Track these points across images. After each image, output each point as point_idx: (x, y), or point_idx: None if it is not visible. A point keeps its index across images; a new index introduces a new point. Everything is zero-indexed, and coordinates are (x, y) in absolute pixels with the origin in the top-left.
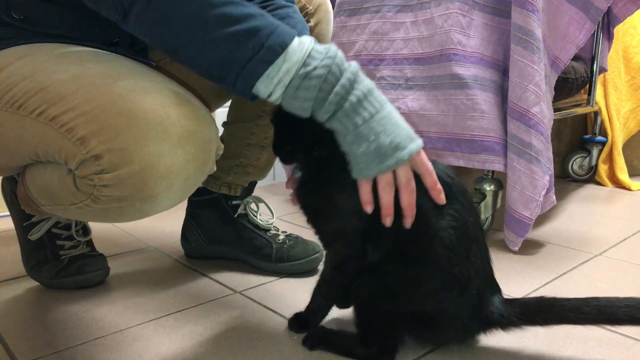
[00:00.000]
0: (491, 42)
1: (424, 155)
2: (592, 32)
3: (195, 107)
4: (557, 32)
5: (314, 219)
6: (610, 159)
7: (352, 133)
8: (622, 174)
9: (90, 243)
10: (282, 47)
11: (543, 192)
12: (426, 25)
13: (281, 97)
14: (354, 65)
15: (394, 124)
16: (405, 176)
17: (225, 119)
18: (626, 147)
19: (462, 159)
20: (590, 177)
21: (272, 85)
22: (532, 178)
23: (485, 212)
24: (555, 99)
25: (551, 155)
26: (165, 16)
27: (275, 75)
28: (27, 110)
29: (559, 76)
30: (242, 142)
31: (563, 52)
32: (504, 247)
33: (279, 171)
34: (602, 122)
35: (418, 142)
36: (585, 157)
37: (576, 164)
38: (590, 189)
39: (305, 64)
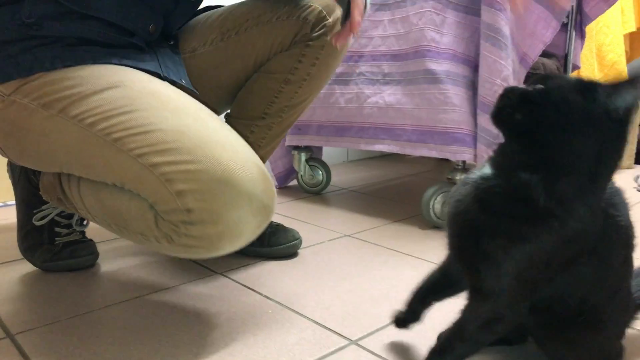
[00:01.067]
0: (463, 39)
1: None
2: (558, 30)
3: (271, 183)
4: (525, 30)
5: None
6: None
7: None
8: None
9: (82, 231)
10: None
11: None
12: (402, 23)
13: None
14: None
15: None
16: None
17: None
18: None
19: (435, 150)
20: None
21: None
22: None
23: None
24: None
25: None
26: None
27: None
28: (125, 146)
29: (528, 72)
30: None
31: (531, 48)
32: None
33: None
34: None
35: None
36: None
37: None
38: None
39: None
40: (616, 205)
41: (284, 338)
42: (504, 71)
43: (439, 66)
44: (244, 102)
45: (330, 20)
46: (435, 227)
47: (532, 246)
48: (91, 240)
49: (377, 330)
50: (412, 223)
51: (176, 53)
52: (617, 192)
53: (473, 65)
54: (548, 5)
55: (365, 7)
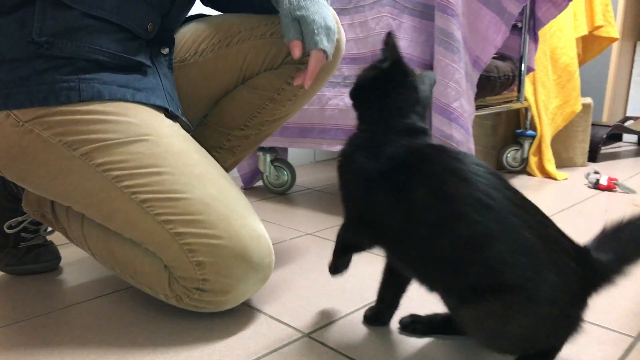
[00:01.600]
0: (419, 43)
1: None
2: (507, 34)
3: (273, 254)
4: (477, 35)
5: None
6: (539, 152)
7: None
8: (550, 165)
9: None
10: None
11: None
12: (361, 28)
13: None
14: None
15: (320, 6)
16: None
17: None
18: (555, 140)
19: None
20: (523, 168)
21: None
22: None
23: None
24: (479, 96)
25: (472, 146)
26: None
27: None
28: (152, 210)
29: (482, 74)
30: (216, 144)
31: (483, 52)
32: None
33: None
34: (532, 117)
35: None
36: (518, 150)
37: (510, 156)
38: (522, 179)
39: None
40: (436, 158)
41: (239, 332)
42: (456, 74)
43: None
44: (224, 111)
45: None
46: None
47: (345, 176)
48: (52, 242)
49: (330, 323)
50: None
51: (170, 68)
52: (461, 154)
53: (428, 68)
54: (498, 11)
55: (327, 56)
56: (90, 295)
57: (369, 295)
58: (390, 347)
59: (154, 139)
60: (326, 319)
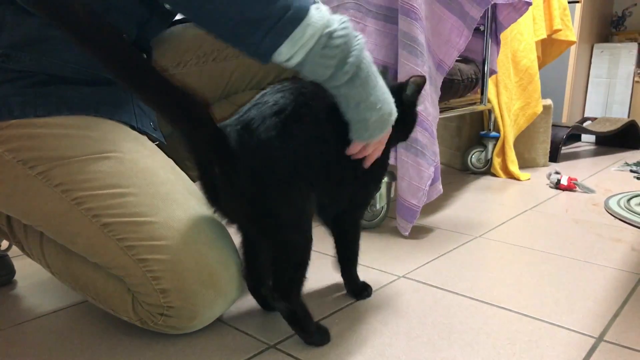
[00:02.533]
0: (383, 46)
1: None
2: (470, 38)
3: (242, 277)
4: (441, 38)
5: None
6: (502, 153)
7: (365, 101)
8: (513, 166)
9: None
10: (305, 11)
11: (429, 182)
12: None
13: (301, 62)
14: (357, 34)
15: (386, 92)
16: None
17: None
18: (518, 141)
19: None
20: (487, 169)
21: (295, 48)
22: (418, 170)
23: (380, 201)
24: (443, 98)
25: (436, 149)
26: None
27: (300, 38)
28: (114, 234)
29: (446, 77)
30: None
31: (447, 56)
32: (397, 232)
33: None
34: (495, 119)
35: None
36: (482, 151)
37: (474, 157)
38: (486, 180)
39: (327, 33)
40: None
41: (205, 344)
42: None
43: None
44: None
45: None
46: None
47: None
48: (7, 255)
49: (293, 335)
50: None
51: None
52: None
53: (393, 72)
54: (460, 15)
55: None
56: (46, 310)
57: (334, 302)
58: (356, 355)
59: (117, 156)
60: (290, 330)
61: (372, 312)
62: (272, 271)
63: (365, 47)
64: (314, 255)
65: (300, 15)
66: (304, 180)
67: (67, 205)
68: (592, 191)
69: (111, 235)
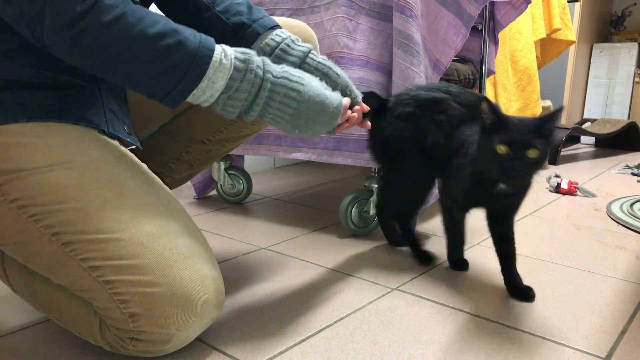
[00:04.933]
0: (377, 45)
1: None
2: (467, 36)
3: (222, 294)
4: (437, 37)
5: None
6: None
7: (288, 122)
8: None
9: None
10: (200, 76)
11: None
12: (317, 29)
13: (215, 102)
14: (266, 60)
15: (317, 103)
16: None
17: None
18: None
19: (350, 158)
20: None
21: (199, 101)
22: None
23: (374, 208)
24: None
25: None
26: (93, 46)
27: (200, 96)
28: (75, 253)
29: (442, 77)
30: (173, 155)
31: (443, 55)
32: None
33: None
34: None
35: (339, 97)
36: None
37: None
38: None
39: (228, 86)
40: None
41: None
42: (416, 78)
43: (353, 73)
44: (188, 122)
45: None
46: (353, 235)
47: None
48: None
49: (279, 354)
50: (331, 232)
51: None
52: None
53: (387, 71)
54: (458, 13)
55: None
56: (8, 329)
57: (324, 317)
58: None
59: (79, 166)
60: (274, 349)
61: (363, 329)
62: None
63: (272, 68)
64: (302, 265)
65: (206, 60)
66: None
67: (24, 222)
68: (593, 195)
69: (73, 255)
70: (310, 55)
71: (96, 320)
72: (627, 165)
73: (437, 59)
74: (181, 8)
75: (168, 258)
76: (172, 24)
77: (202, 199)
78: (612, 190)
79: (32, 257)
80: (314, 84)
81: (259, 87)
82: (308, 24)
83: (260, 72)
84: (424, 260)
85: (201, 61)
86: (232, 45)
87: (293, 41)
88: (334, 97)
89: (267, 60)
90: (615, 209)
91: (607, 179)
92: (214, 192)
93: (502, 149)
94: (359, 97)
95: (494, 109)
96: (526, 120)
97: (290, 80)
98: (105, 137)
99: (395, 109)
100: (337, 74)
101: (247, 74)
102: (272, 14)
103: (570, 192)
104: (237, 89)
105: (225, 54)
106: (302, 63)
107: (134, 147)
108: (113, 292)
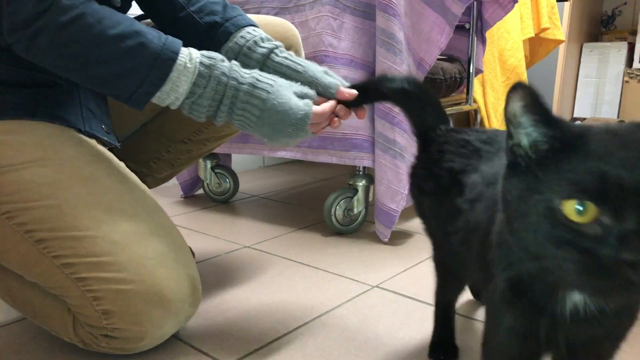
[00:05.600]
0: (361, 44)
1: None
2: (451, 35)
3: (199, 291)
4: (421, 36)
5: None
6: None
7: (255, 129)
8: None
9: None
10: (162, 79)
11: (408, 186)
12: (302, 28)
13: (181, 105)
14: (234, 66)
15: (280, 113)
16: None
17: None
18: None
19: (335, 157)
20: None
21: (165, 103)
22: (397, 172)
23: (358, 206)
24: None
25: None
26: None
27: (165, 98)
28: (48, 250)
29: (427, 76)
30: (153, 154)
31: (427, 54)
32: (375, 238)
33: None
34: (481, 119)
35: (306, 108)
36: None
37: None
38: None
39: (192, 92)
40: None
41: None
42: None
43: (337, 72)
44: (168, 122)
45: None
46: (338, 233)
47: None
48: None
49: (255, 351)
50: (315, 230)
51: None
52: None
53: (371, 70)
54: (442, 12)
55: None
56: None
57: (302, 315)
58: None
59: (54, 164)
60: (251, 346)
61: (340, 326)
62: None
63: (239, 72)
64: (285, 263)
65: (169, 63)
66: None
67: None
68: None
69: (46, 252)
70: (272, 54)
71: (69, 318)
72: None
73: (422, 57)
74: (158, 8)
75: (142, 256)
76: (136, 26)
77: (189, 197)
78: None
79: (5, 255)
80: (282, 92)
81: (222, 93)
82: (293, 23)
83: (225, 79)
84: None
85: (163, 64)
86: (205, 45)
87: (256, 42)
88: (299, 107)
89: (236, 66)
90: None
91: None
92: (201, 191)
93: (588, 213)
94: (336, 85)
95: (542, 106)
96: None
97: (256, 88)
98: (82, 136)
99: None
100: (301, 69)
101: (211, 80)
102: (258, 12)
103: None
104: (200, 95)
105: (190, 57)
106: (265, 63)
107: (111, 147)
108: (86, 290)
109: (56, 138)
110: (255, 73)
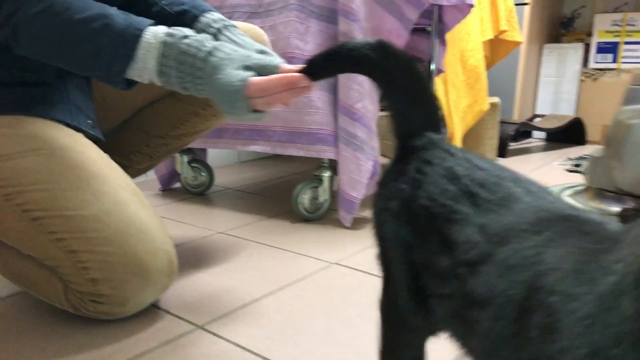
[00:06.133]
0: (325, 46)
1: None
2: (407, 39)
3: (175, 265)
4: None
5: None
6: None
7: (208, 93)
8: None
9: None
10: (129, 55)
11: (368, 176)
12: (271, 31)
13: (164, 80)
14: (193, 38)
15: (219, 80)
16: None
17: None
18: (467, 137)
19: (302, 150)
20: None
21: (146, 81)
22: (357, 164)
23: (323, 194)
24: None
25: (375, 144)
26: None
27: (142, 76)
28: (43, 227)
29: None
30: (134, 148)
31: None
32: (339, 223)
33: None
34: (444, 116)
35: (239, 82)
36: None
37: None
38: None
39: (160, 65)
40: None
41: (136, 327)
42: (359, 76)
43: None
44: (147, 119)
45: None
46: (305, 220)
47: None
48: None
49: (224, 315)
50: (284, 218)
51: (86, 77)
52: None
53: None
54: (399, 17)
55: None
56: None
57: (267, 287)
58: (277, 335)
59: (47, 153)
60: (220, 311)
61: (301, 295)
62: None
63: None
64: (254, 246)
65: (133, 39)
66: None
67: None
68: None
69: (41, 229)
70: (220, 34)
71: (61, 286)
72: (569, 158)
73: None
74: (134, 6)
75: (125, 232)
76: (104, 10)
77: (167, 190)
78: (550, 179)
79: (6, 232)
80: (227, 65)
81: (184, 66)
82: (263, 26)
83: (183, 52)
84: None
85: (127, 41)
86: None
87: (209, 24)
88: (231, 82)
89: (194, 38)
90: None
91: (549, 169)
92: (178, 185)
93: None
94: (273, 66)
95: None
96: None
97: (207, 60)
98: (71, 130)
99: None
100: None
101: (173, 54)
102: (230, 17)
103: None
104: (169, 68)
105: (155, 34)
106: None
107: (96, 140)
108: (76, 261)
109: (48, 131)
110: (214, 45)
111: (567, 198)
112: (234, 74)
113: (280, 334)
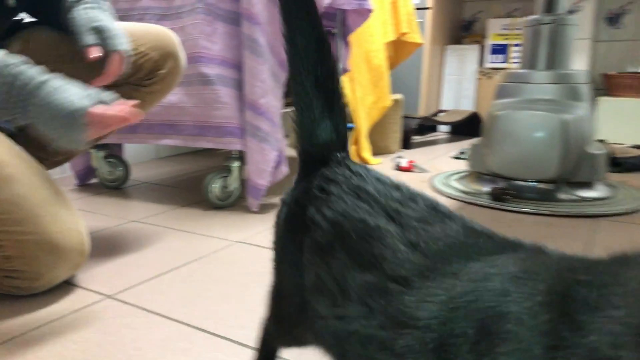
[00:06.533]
0: (232, 47)
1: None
2: None
3: (85, 244)
4: (281, 40)
5: None
6: (357, 142)
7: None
8: (365, 153)
9: None
10: None
11: (272, 165)
12: (181, 32)
13: None
14: (23, 69)
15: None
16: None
17: None
18: (373, 131)
19: (212, 142)
20: None
21: None
22: (262, 154)
23: (233, 183)
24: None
25: (280, 136)
26: None
27: None
28: None
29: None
30: (42, 145)
31: None
32: (247, 209)
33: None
34: (350, 112)
35: (84, 104)
36: None
37: None
38: None
39: None
40: None
41: (50, 299)
42: (262, 74)
43: (211, 70)
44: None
45: (163, 70)
46: (216, 207)
47: None
48: None
49: (132, 287)
50: (197, 207)
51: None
52: None
53: (240, 69)
54: None
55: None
56: None
57: (173, 263)
58: (183, 301)
59: None
60: (130, 283)
61: (203, 268)
62: None
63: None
64: (164, 231)
65: None
66: None
67: None
68: (426, 171)
69: None
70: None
71: None
72: (463, 149)
73: (283, 59)
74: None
75: (37, 214)
76: None
77: (84, 185)
78: (443, 167)
79: None
80: (57, 96)
81: (10, 96)
82: (174, 28)
83: (9, 81)
84: None
85: None
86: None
87: (71, 5)
88: (71, 100)
89: (25, 67)
90: (436, 181)
91: (444, 159)
92: (95, 180)
93: None
94: (86, 45)
95: None
96: None
97: (33, 94)
98: None
99: None
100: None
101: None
102: (142, 19)
103: (408, 169)
104: None
105: None
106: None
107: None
108: None
109: None
110: (43, 77)
111: (454, 182)
112: (74, 100)
113: (182, 298)
